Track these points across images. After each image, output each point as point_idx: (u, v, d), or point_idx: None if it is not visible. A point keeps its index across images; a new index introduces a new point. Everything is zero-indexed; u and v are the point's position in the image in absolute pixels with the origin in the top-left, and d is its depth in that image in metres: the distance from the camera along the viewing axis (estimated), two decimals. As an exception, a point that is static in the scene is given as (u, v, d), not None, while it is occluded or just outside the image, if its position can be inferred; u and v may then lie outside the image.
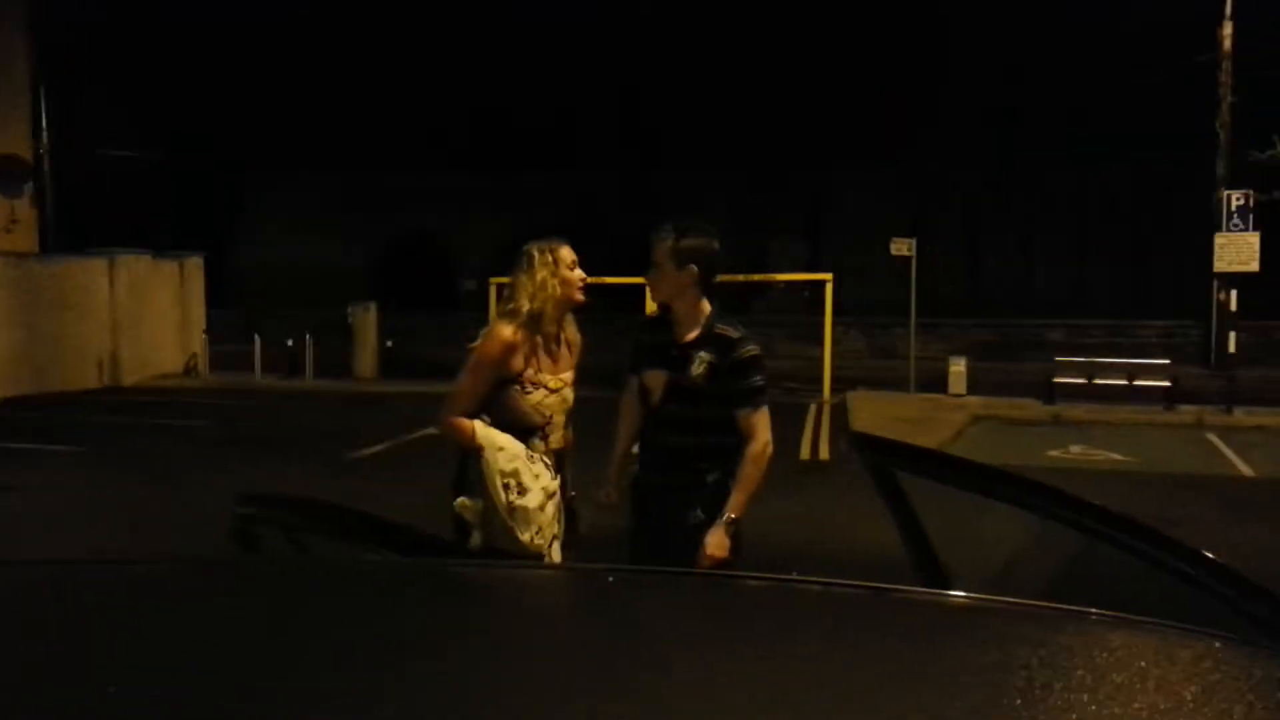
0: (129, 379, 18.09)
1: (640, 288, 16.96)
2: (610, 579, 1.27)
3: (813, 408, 14.85)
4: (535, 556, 3.35)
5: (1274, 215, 14.62)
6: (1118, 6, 24.03)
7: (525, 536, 3.35)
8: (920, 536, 1.56)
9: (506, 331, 3.53)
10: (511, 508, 3.35)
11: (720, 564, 3.33)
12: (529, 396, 3.55)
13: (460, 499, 3.46)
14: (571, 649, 1.00)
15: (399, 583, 1.24)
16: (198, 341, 19.64)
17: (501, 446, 3.41)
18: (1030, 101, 27.14)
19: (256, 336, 18.42)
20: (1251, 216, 14.56)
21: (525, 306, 3.55)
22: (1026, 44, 27.18)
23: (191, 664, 0.93)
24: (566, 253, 3.65)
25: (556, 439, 3.62)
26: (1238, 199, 14.75)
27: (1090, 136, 26.47)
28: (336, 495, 1.84)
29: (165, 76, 28.75)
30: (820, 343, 17.00)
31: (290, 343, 18.42)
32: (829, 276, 17.16)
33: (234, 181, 31.10)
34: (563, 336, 3.69)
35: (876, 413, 14.17)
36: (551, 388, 3.59)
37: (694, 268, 3.47)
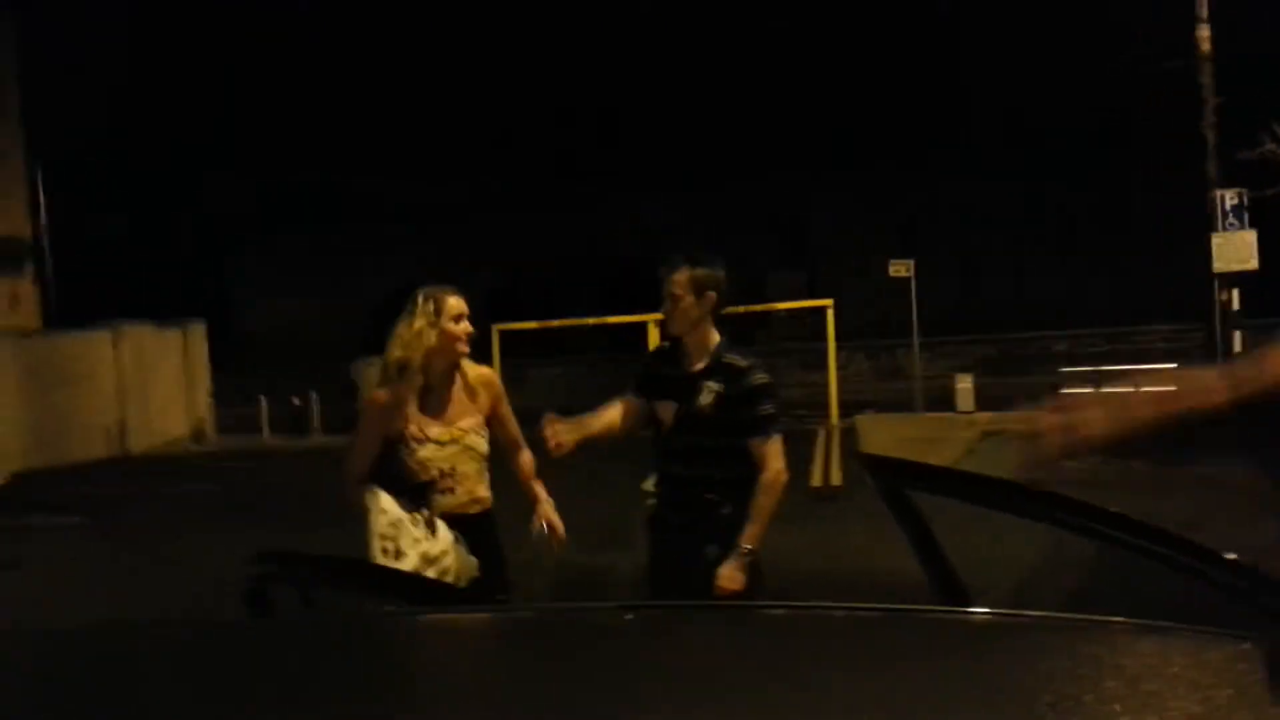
0: (137, 447, 18.10)
1: (639, 326, 16.87)
2: (628, 616, 1.26)
3: (822, 433, 14.81)
4: None
5: (1269, 212, 14.64)
6: (1103, 13, 24.23)
7: None
8: (937, 556, 1.54)
9: (379, 393, 3.49)
10: None
11: (735, 596, 3.27)
12: (416, 453, 3.46)
13: None
14: (595, 689, 0.98)
15: (412, 634, 1.22)
16: (204, 406, 19.67)
17: (384, 509, 3.33)
18: (1018, 112, 27.32)
19: (262, 398, 18.45)
20: (1246, 215, 14.61)
21: (395, 356, 3.48)
22: (1012, 55, 27.41)
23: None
24: (454, 302, 3.54)
25: (463, 496, 3.51)
26: (1232, 198, 14.81)
27: (1076, 144, 26.61)
28: (348, 552, 1.82)
29: (160, 140, 28.99)
30: (825, 368, 17.00)
31: (296, 401, 18.44)
32: (830, 302, 17.19)
33: (232, 243, 31.28)
34: (459, 382, 3.58)
35: (886, 434, 14.13)
36: (441, 440, 3.48)
37: (712, 295, 3.45)
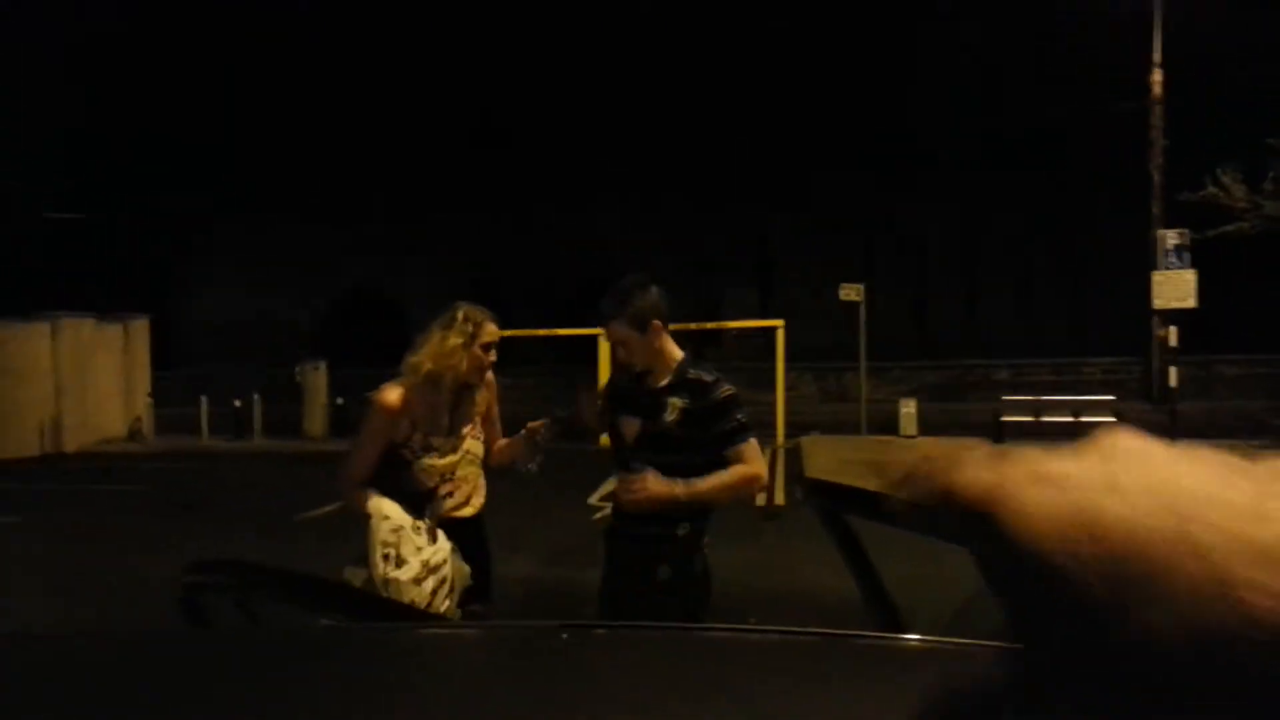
0: (72, 445, 17.70)
1: (590, 339, 16.84)
2: (565, 635, 1.26)
3: (768, 453, 14.90)
4: None
5: (1209, 253, 15.04)
6: (1056, 51, 24.79)
7: None
8: (872, 577, 1.56)
9: (392, 396, 3.41)
10: (386, 580, 3.20)
11: (640, 500, 3.24)
12: (420, 459, 3.44)
13: (348, 568, 3.32)
14: (525, 709, 0.99)
15: (350, 648, 1.22)
16: (142, 404, 19.28)
17: (386, 515, 3.29)
18: (974, 144, 27.81)
19: (203, 398, 18.14)
20: (1188, 255, 14.98)
21: (426, 367, 3.43)
22: (967, 86, 27.92)
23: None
24: (490, 329, 3.54)
25: (460, 499, 3.52)
26: (1173, 238, 15.17)
27: (1030, 178, 27.15)
28: (286, 559, 1.80)
29: (106, 130, 28.50)
30: (773, 388, 17.10)
31: (238, 403, 18.15)
32: (780, 323, 17.31)
33: (179, 239, 30.79)
34: (467, 391, 3.58)
35: (830, 457, 14.22)
36: (444, 449, 3.48)
37: (656, 323, 3.38)
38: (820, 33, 28.36)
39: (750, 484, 3.36)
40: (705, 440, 3.32)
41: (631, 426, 3.43)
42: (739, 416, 3.38)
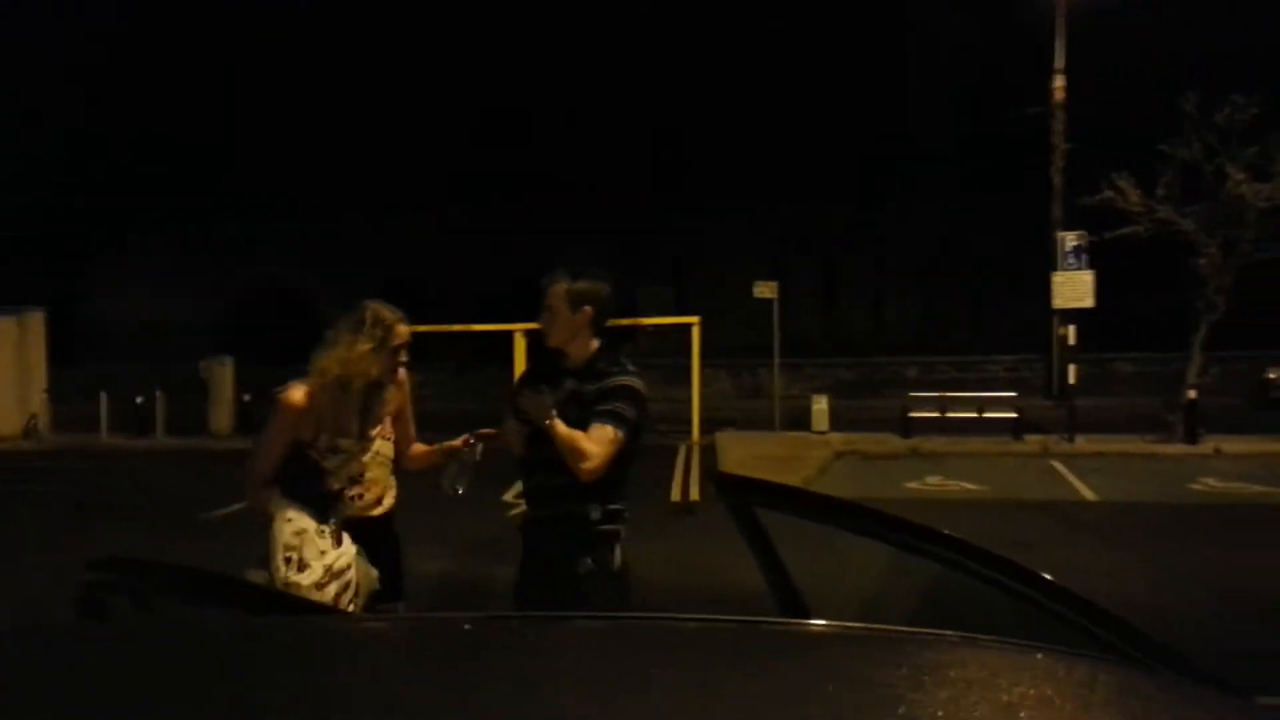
0: (-39, 443, 16.97)
1: (506, 334, 16.80)
2: (467, 626, 1.25)
3: (683, 449, 15.00)
4: None
5: (1106, 255, 15.56)
6: (963, 58, 25.44)
7: None
8: (781, 572, 1.59)
9: (297, 395, 3.33)
10: (286, 583, 3.16)
11: (531, 403, 3.30)
12: (327, 459, 3.38)
13: (249, 570, 3.26)
14: (431, 702, 0.98)
15: (248, 643, 1.20)
16: (38, 401, 18.56)
17: (289, 518, 3.24)
18: (885, 147, 28.38)
19: (103, 394, 17.52)
20: (1086, 256, 15.49)
21: (334, 370, 3.36)
22: (881, 86, 28.48)
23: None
24: (401, 331, 3.48)
25: (370, 500, 3.47)
26: (1073, 239, 15.67)
27: (939, 180, 27.82)
28: (189, 558, 1.76)
29: (11, 125, 27.42)
30: (689, 385, 17.23)
31: (140, 400, 17.59)
32: (696, 320, 17.45)
33: (80, 234, 29.71)
34: (376, 391, 3.51)
35: (744, 452, 14.41)
36: (352, 450, 3.42)
37: (588, 309, 3.43)
38: (723, 30, 28.62)
39: (577, 457, 3.28)
40: (584, 420, 3.32)
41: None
42: (618, 405, 3.36)
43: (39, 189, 27.76)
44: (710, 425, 16.82)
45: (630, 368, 3.48)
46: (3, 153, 27.06)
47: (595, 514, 3.36)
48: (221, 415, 18.08)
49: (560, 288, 3.45)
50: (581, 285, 3.46)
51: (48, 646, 1.23)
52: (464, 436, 3.58)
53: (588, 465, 3.27)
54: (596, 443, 3.28)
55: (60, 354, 20.04)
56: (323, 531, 3.26)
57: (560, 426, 3.28)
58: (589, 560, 3.35)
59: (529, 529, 3.52)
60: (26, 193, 27.27)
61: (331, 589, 3.22)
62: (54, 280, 25.83)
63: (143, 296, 28.84)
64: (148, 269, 29.29)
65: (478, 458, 3.55)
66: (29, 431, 18.28)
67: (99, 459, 15.62)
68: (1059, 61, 19.96)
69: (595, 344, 3.49)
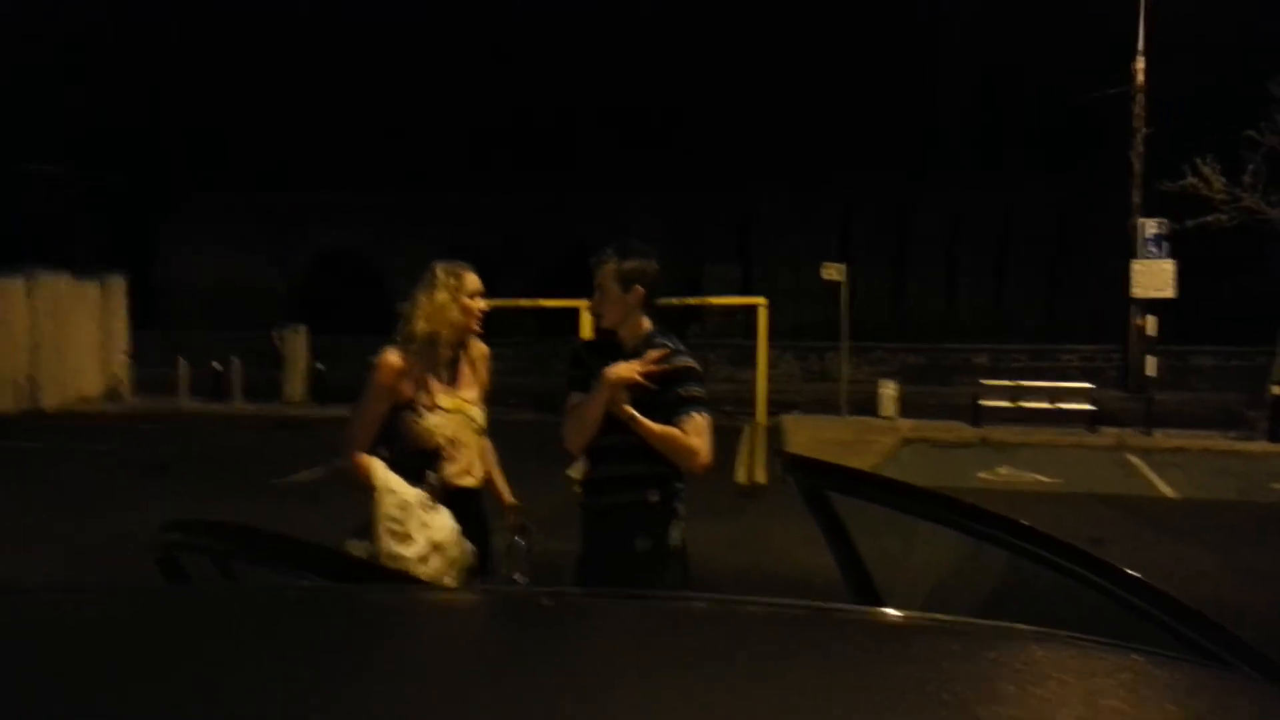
0: (49, 403, 17.55)
1: (572, 311, 16.89)
2: (546, 601, 1.26)
3: (747, 431, 14.95)
4: None
5: (1188, 244, 15.11)
6: (1040, 36, 24.79)
7: None
8: (854, 557, 1.58)
9: (394, 357, 3.42)
10: (392, 556, 3.19)
11: (612, 374, 3.31)
12: (423, 421, 3.43)
13: (350, 540, 3.30)
14: (505, 676, 0.99)
15: (326, 609, 1.22)
16: (120, 364, 19.13)
17: (393, 489, 3.28)
18: (953, 126, 27.83)
19: (181, 359, 17.99)
20: (1167, 245, 15.06)
21: (421, 328, 3.45)
22: (951, 70, 27.91)
23: (112, 696, 0.91)
24: (471, 279, 3.55)
25: (463, 466, 3.50)
26: (1153, 227, 15.26)
27: (1014, 163, 27.21)
28: (264, 521, 1.80)
29: (90, 90, 28.15)
30: (754, 366, 17.14)
31: (217, 365, 18.04)
32: (763, 301, 17.32)
33: (159, 198, 30.45)
34: (464, 355, 3.60)
35: (810, 436, 14.31)
36: (448, 409, 3.48)
37: (639, 289, 3.42)
38: (808, 14, 28.28)
39: (686, 455, 3.34)
40: (656, 404, 3.33)
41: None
42: (693, 388, 3.39)
43: (117, 151, 28.42)
44: (776, 408, 16.72)
45: (683, 347, 3.48)
46: (84, 116, 27.77)
47: (654, 496, 3.38)
48: (296, 382, 18.47)
49: (610, 267, 3.45)
50: (631, 264, 3.44)
51: (132, 604, 1.27)
52: (513, 515, 3.71)
53: (700, 460, 3.34)
54: (696, 434, 3.32)
55: (137, 319, 20.62)
56: (424, 504, 3.30)
57: (653, 425, 3.30)
58: (649, 539, 3.37)
59: (589, 510, 3.54)
60: (104, 157, 27.96)
61: (434, 562, 3.26)
62: (130, 244, 26.52)
63: (215, 262, 29.44)
64: (221, 234, 29.89)
65: (524, 543, 3.66)
66: (112, 393, 18.87)
67: (178, 421, 16.07)
68: (1141, 42, 19.39)
69: (647, 323, 3.49)
